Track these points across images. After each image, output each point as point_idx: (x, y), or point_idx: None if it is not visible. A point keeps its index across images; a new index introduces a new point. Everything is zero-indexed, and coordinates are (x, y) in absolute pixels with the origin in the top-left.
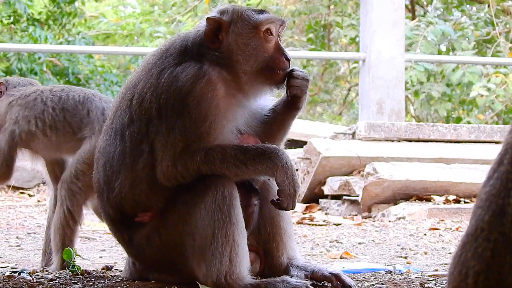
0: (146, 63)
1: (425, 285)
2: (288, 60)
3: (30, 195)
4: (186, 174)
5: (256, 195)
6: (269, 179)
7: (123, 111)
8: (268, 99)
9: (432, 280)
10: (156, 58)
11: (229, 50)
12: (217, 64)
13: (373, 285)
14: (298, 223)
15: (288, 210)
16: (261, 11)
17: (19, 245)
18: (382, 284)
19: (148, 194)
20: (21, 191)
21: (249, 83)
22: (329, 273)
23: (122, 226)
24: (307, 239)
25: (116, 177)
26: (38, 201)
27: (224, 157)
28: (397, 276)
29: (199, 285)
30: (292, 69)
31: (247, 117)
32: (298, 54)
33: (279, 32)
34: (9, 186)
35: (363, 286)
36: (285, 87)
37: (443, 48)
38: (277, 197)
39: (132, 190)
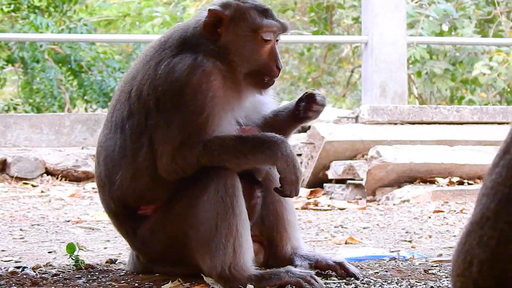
0: (144, 55)
1: (429, 272)
2: (279, 69)
3: (33, 186)
4: (186, 168)
5: (259, 187)
6: (270, 168)
7: (122, 104)
8: (269, 94)
9: (436, 266)
10: (154, 50)
11: (226, 48)
12: (213, 56)
13: (377, 272)
14: (302, 208)
15: (291, 197)
16: (265, 12)
17: (23, 238)
18: (386, 271)
19: (150, 187)
20: (24, 181)
21: (242, 82)
22: (333, 261)
23: (125, 219)
24: (312, 225)
25: (117, 171)
26: (42, 191)
27: (223, 148)
28: (401, 263)
29: (204, 277)
30: (313, 93)
31: (246, 108)
32: (301, 39)
33: (278, 37)
34: (12, 177)
35: (367, 274)
36: (301, 107)
37: (445, 27)
38: (280, 185)
39: (133, 183)
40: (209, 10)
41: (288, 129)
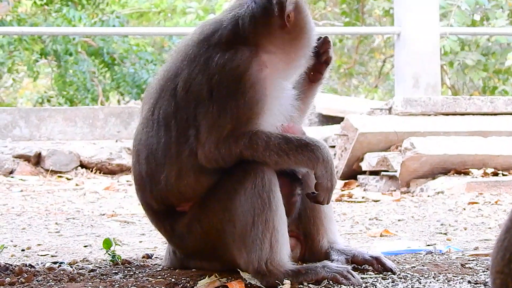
0: (184, 53)
1: (466, 266)
2: None
3: (68, 179)
4: (227, 158)
5: (299, 185)
6: (307, 171)
7: (166, 101)
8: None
9: (473, 260)
10: (198, 47)
11: (299, 31)
12: (269, 47)
13: (414, 267)
14: (337, 200)
15: (323, 205)
16: None
17: (58, 231)
18: (423, 265)
19: (194, 185)
20: (58, 175)
21: (298, 66)
22: (370, 256)
23: (163, 216)
24: (346, 217)
25: (161, 170)
26: (76, 184)
27: (268, 144)
28: (438, 257)
29: (240, 272)
30: (326, 36)
31: (288, 102)
32: (334, 30)
33: None
34: (47, 170)
35: (404, 268)
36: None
37: (476, 17)
38: (313, 190)
39: (178, 182)
40: None
41: (310, 95)
